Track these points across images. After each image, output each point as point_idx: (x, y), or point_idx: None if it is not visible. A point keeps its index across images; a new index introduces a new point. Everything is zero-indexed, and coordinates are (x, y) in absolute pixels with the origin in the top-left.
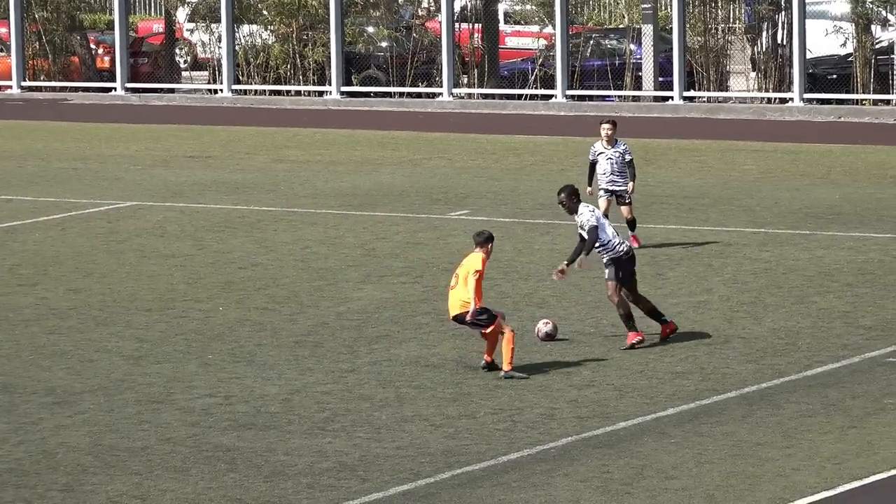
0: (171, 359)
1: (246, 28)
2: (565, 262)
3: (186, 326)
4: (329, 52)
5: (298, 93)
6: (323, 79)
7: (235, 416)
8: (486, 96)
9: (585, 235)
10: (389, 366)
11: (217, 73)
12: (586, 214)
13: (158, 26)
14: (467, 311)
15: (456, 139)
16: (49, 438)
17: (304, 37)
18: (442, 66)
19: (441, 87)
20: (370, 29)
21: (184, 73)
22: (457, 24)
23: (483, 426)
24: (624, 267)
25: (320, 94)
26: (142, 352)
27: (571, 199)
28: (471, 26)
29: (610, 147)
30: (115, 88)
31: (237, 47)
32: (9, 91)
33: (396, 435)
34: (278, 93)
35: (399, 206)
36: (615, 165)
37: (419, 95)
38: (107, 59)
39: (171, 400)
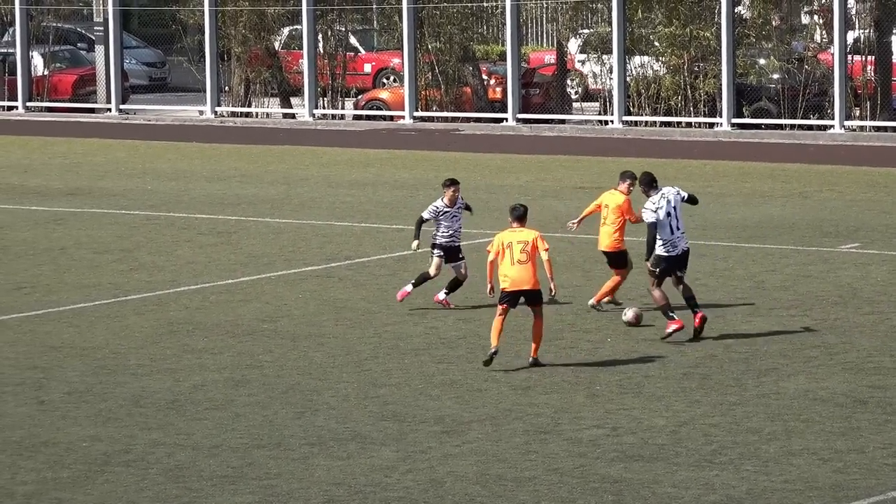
0: (559, 389)
1: (637, 59)
2: None
3: (575, 357)
4: (720, 84)
5: (689, 124)
6: (714, 110)
7: (623, 448)
8: (878, 129)
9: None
10: (777, 399)
11: (608, 104)
12: None
13: (550, 57)
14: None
15: (847, 172)
16: (437, 467)
17: (696, 68)
18: (834, 99)
19: (832, 119)
20: (762, 61)
21: (575, 104)
22: (849, 56)
23: (872, 461)
24: None
25: (711, 125)
26: (530, 382)
27: None
28: (863, 58)
29: (452, 206)
30: (506, 119)
31: (628, 78)
32: (402, 121)
33: (784, 468)
34: (668, 124)
35: (789, 238)
36: (457, 223)
37: (810, 128)
38: (498, 89)
39: (558, 430)
